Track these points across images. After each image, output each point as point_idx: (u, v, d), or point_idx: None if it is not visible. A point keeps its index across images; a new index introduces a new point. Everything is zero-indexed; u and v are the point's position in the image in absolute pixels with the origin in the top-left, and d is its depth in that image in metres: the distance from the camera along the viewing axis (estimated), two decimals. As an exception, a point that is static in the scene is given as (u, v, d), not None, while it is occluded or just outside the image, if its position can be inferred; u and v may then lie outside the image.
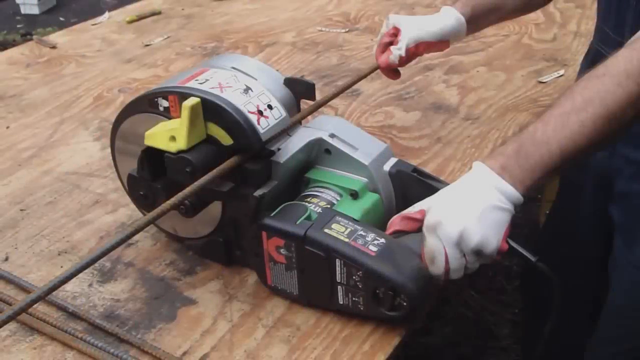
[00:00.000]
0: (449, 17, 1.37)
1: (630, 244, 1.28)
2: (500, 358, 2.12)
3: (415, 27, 1.36)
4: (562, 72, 1.76)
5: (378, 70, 1.43)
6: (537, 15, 2.13)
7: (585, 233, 1.48)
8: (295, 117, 1.13)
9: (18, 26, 5.22)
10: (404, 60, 1.37)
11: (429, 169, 1.35)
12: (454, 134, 1.51)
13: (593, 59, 1.34)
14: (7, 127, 1.58)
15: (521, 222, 2.39)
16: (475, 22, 1.40)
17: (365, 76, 1.42)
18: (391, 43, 1.38)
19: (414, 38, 1.35)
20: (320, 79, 1.76)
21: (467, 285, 2.42)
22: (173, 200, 0.93)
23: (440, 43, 1.38)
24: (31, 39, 2.10)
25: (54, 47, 2.01)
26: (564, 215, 1.57)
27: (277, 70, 1.19)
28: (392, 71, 1.42)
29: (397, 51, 1.36)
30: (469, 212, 0.92)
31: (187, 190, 0.94)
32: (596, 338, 1.39)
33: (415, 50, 1.36)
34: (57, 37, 2.13)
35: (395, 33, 1.38)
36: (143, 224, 0.90)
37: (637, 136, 1.16)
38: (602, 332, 1.37)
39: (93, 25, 2.19)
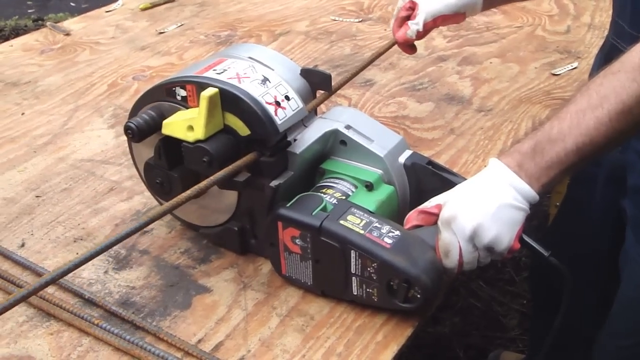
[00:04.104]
0: None
1: (642, 238, 1.28)
2: (509, 349, 2.12)
3: (432, 0, 1.36)
4: (575, 64, 1.76)
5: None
6: (550, 7, 2.13)
7: (597, 226, 1.48)
8: (310, 104, 1.13)
9: (29, 11, 5.22)
10: (421, 35, 1.38)
11: (442, 160, 1.36)
12: (467, 126, 1.51)
13: (608, 52, 1.34)
14: (22, 114, 1.59)
15: (532, 213, 2.39)
16: None
17: (383, 53, 1.42)
18: (408, 17, 1.38)
19: (432, 12, 1.36)
20: (333, 69, 1.76)
21: (476, 275, 2.42)
22: (189, 192, 0.94)
23: (456, 16, 1.39)
24: (43, 25, 2.10)
25: (67, 34, 2.02)
26: (575, 208, 1.57)
27: (291, 60, 1.19)
28: (409, 46, 1.43)
29: (414, 26, 1.36)
30: (485, 208, 0.92)
31: (205, 183, 0.95)
32: (605, 331, 1.39)
33: (433, 24, 1.37)
34: (71, 23, 2.13)
35: (412, 7, 1.38)
36: (158, 214, 0.91)
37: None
38: (612, 326, 1.37)
39: (107, 12, 2.19)
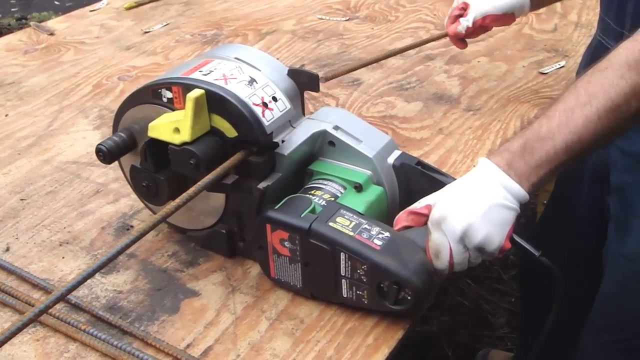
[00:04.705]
0: None
1: (623, 235, 1.28)
2: (497, 347, 2.13)
3: (483, 1, 1.48)
4: (563, 63, 1.76)
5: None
6: (537, 5, 2.13)
7: (583, 224, 1.48)
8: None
9: (12, 10, 5.18)
10: (471, 32, 1.52)
11: (430, 160, 1.35)
12: (455, 125, 1.50)
13: (594, 50, 1.35)
14: (6, 115, 1.57)
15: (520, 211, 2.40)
16: None
17: (433, 40, 1.65)
18: (461, 15, 1.51)
19: (481, 12, 1.48)
20: (320, 68, 1.75)
21: (464, 274, 2.42)
22: (179, 201, 0.94)
23: (505, 17, 1.50)
24: (26, 24, 2.08)
25: (51, 33, 2.00)
26: (562, 205, 1.58)
27: (278, 59, 1.18)
28: (459, 40, 1.56)
29: (464, 22, 1.49)
30: (475, 208, 0.92)
31: (194, 188, 0.95)
32: (589, 328, 1.39)
33: (482, 23, 1.49)
34: (55, 23, 2.11)
35: (465, 7, 1.51)
36: (152, 224, 0.93)
37: (633, 129, 1.16)
38: (595, 322, 1.37)
39: (91, 11, 2.17)
